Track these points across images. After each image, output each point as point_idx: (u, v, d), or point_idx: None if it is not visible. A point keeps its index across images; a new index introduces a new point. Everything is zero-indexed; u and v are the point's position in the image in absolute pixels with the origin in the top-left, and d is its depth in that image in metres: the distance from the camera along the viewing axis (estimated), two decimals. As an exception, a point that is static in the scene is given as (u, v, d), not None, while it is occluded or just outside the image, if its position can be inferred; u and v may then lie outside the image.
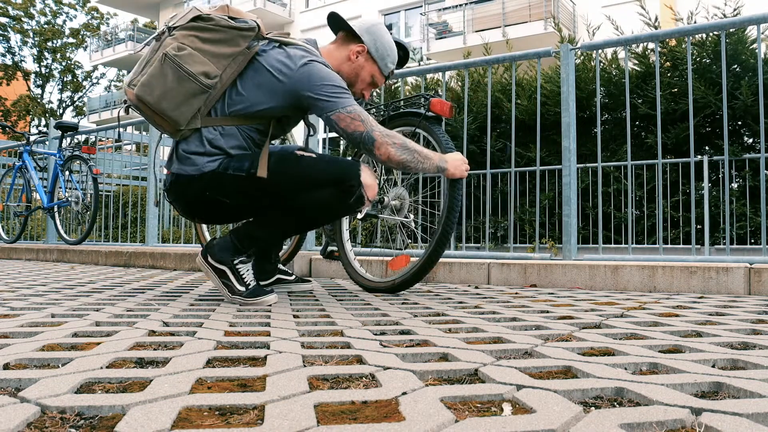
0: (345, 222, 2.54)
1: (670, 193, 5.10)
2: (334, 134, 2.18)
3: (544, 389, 0.83)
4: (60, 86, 32.57)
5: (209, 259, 1.95)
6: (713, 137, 5.01)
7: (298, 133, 3.13)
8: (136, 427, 0.66)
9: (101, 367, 0.96)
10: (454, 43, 16.96)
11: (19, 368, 0.97)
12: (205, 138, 1.87)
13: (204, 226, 3.11)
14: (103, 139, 7.13)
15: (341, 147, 5.90)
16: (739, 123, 4.99)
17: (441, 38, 17.51)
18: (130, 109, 1.92)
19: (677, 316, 1.66)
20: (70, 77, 32.38)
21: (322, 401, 0.78)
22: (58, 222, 5.24)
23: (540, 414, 0.72)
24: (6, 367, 0.98)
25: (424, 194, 3.54)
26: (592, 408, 0.77)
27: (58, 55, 31.54)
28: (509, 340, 1.24)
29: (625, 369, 0.99)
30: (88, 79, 33.15)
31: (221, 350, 1.12)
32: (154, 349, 1.13)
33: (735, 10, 5.30)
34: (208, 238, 2.97)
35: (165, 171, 2.00)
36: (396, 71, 2.17)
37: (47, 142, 5.75)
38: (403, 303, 1.96)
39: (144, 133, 6.16)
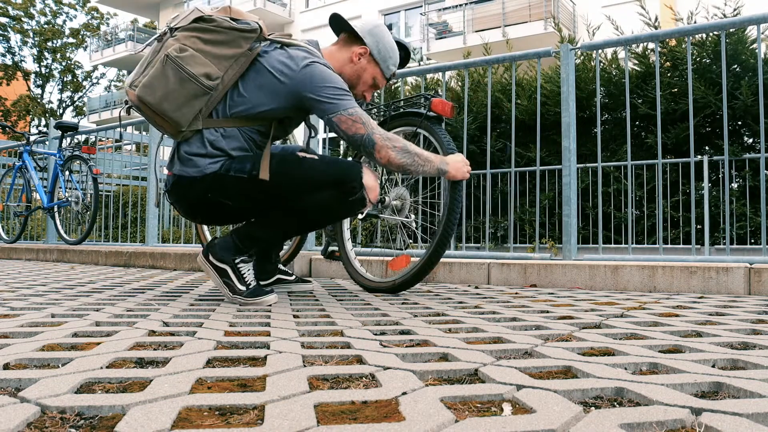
0: (346, 222, 2.54)
1: (670, 193, 5.10)
2: (334, 134, 2.18)
3: (544, 389, 0.83)
4: (60, 86, 32.58)
5: (210, 258, 1.95)
6: (713, 137, 5.01)
7: (299, 134, 3.13)
8: (136, 427, 0.66)
9: (101, 367, 0.96)
10: (454, 43, 16.95)
11: (19, 368, 0.98)
12: (207, 139, 1.87)
13: (205, 226, 3.11)
14: (103, 139, 7.13)
15: (341, 147, 5.90)
16: (739, 123, 4.99)
17: (441, 38, 17.51)
18: (131, 110, 1.92)
19: (677, 316, 1.66)
20: (70, 77, 32.39)
21: (322, 401, 0.78)
22: (58, 222, 5.24)
23: (540, 414, 0.72)
24: (6, 367, 0.98)
25: (424, 195, 3.53)
26: (592, 408, 0.77)
27: (58, 55, 31.55)
28: (509, 340, 1.24)
29: (625, 369, 0.99)
30: (88, 79, 33.17)
31: (221, 350, 1.12)
32: (154, 349, 1.13)
33: (735, 10, 5.30)
34: (209, 238, 2.97)
35: (166, 171, 2.00)
36: (396, 71, 2.17)
37: (47, 142, 5.75)
38: (403, 303, 1.96)
39: (144, 133, 6.16)
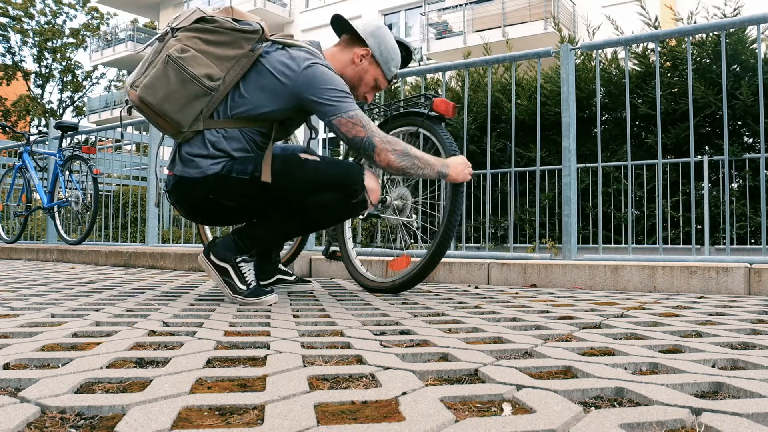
0: (347, 222, 2.54)
1: (670, 193, 5.10)
2: (334, 135, 2.18)
3: (544, 389, 0.83)
4: (60, 86, 32.58)
5: (211, 257, 1.95)
6: (713, 137, 5.01)
7: (300, 134, 3.13)
8: (136, 427, 0.66)
9: (101, 367, 0.96)
10: (454, 43, 16.95)
11: (19, 368, 0.98)
12: (208, 140, 1.87)
13: (206, 226, 3.11)
14: (103, 139, 7.13)
15: (341, 148, 5.90)
16: (739, 123, 4.99)
17: (441, 38, 17.51)
18: (131, 110, 1.92)
19: (677, 316, 1.66)
20: (70, 77, 32.39)
21: (322, 401, 0.78)
22: (58, 222, 5.24)
23: (540, 414, 0.72)
24: (6, 367, 0.98)
25: (425, 195, 3.53)
26: (592, 408, 0.77)
27: (58, 55, 31.55)
28: (509, 340, 1.24)
29: (625, 369, 0.99)
30: (88, 79, 33.17)
31: (221, 350, 1.12)
32: (154, 349, 1.13)
33: (735, 10, 5.30)
34: (210, 237, 2.97)
35: (166, 171, 2.00)
36: (398, 71, 2.17)
37: (47, 142, 5.75)
38: (403, 303, 1.96)
39: (144, 133, 6.16)
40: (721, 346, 1.18)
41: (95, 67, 32.34)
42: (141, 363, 1.02)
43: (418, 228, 2.67)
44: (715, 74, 4.78)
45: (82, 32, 31.78)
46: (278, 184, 1.85)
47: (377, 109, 2.54)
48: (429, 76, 5.98)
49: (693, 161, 2.84)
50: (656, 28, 5.59)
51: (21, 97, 30.95)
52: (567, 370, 0.99)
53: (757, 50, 3.22)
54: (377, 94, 2.24)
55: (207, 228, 3.07)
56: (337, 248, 2.56)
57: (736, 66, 4.82)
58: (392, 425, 0.68)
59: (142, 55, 1.98)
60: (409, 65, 2.27)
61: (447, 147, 2.13)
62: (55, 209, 5.20)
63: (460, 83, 5.95)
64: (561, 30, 6.51)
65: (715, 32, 4.71)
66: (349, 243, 2.52)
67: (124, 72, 30.83)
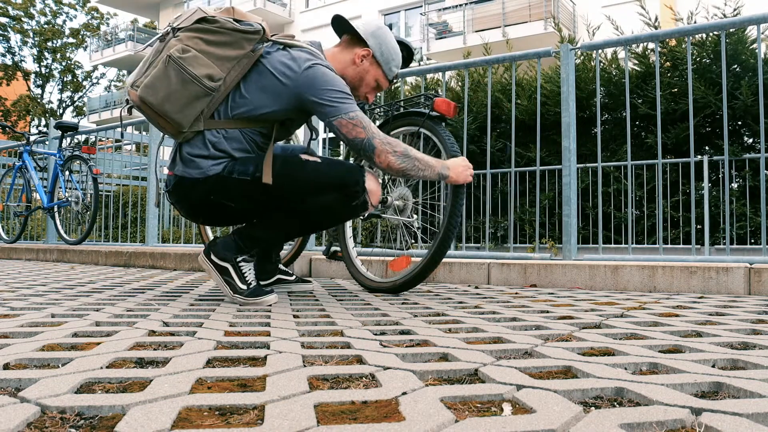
0: (348, 222, 2.54)
1: (670, 193, 5.10)
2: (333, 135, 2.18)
3: (544, 389, 0.83)
4: (60, 86, 32.58)
5: (212, 256, 1.95)
6: (713, 137, 5.01)
7: (301, 133, 3.13)
8: (136, 427, 0.66)
9: (101, 367, 0.96)
10: (454, 43, 16.95)
11: (19, 368, 0.98)
12: (209, 141, 1.86)
13: (207, 226, 3.12)
14: (103, 139, 7.13)
15: (341, 148, 5.91)
16: (739, 123, 4.99)
17: (441, 38, 17.51)
18: (132, 110, 1.91)
19: (677, 316, 1.66)
20: (70, 77, 32.39)
21: (322, 401, 0.78)
22: (58, 222, 5.24)
23: (540, 414, 0.72)
24: (6, 367, 0.98)
25: (425, 196, 3.53)
26: (592, 408, 0.77)
27: (58, 55, 31.55)
28: (509, 340, 1.24)
29: (625, 369, 0.99)
30: (88, 79, 33.17)
31: (221, 350, 1.12)
32: (154, 349, 1.13)
33: (735, 10, 5.30)
34: (211, 237, 2.97)
35: (166, 171, 1.99)
36: (399, 71, 2.17)
37: (47, 142, 5.75)
38: (403, 303, 1.96)
39: (144, 133, 6.16)
40: (721, 346, 1.18)
41: (95, 67, 32.34)
42: (141, 363, 1.02)
43: (418, 228, 2.67)
44: (715, 74, 4.78)
45: (82, 32, 31.79)
46: (279, 184, 1.85)
47: (378, 109, 2.53)
48: (429, 76, 5.98)
49: (693, 161, 2.84)
50: (656, 28, 5.59)
51: (21, 97, 30.95)
52: (567, 370, 0.99)
53: (757, 50, 3.22)
54: (378, 94, 2.24)
55: (208, 228, 3.07)
56: (338, 248, 2.56)
57: (736, 66, 4.82)
58: (392, 425, 0.68)
59: (143, 55, 1.99)
60: (410, 65, 2.27)
61: (448, 148, 2.13)
62: (55, 209, 5.20)
63: (460, 83, 5.95)
64: (561, 30, 6.51)
65: (715, 32, 4.71)
66: (350, 243, 2.52)
67: (124, 72, 30.83)
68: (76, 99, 33.05)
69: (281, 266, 2.42)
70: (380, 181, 2.41)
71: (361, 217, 2.26)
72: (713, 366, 1.03)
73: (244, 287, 1.91)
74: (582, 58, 5.39)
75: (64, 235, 5.19)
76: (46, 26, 30.92)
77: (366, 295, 2.25)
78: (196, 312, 1.68)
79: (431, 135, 2.25)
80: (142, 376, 0.90)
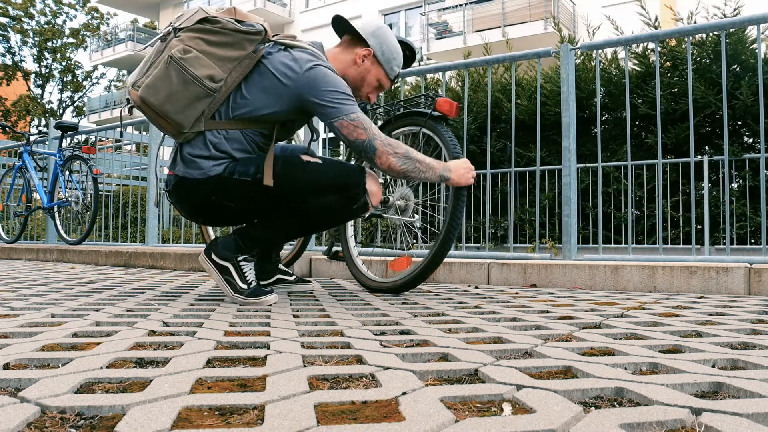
0: (349, 222, 2.54)
1: (670, 193, 5.10)
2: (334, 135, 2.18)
3: (544, 389, 0.83)
4: (60, 86, 32.58)
5: (213, 256, 1.95)
6: (713, 137, 5.01)
7: (302, 133, 3.13)
8: (136, 427, 0.66)
9: (101, 367, 0.96)
10: (454, 43, 16.96)
11: (19, 368, 0.98)
12: (209, 141, 1.86)
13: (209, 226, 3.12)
14: (103, 139, 7.13)
15: (341, 148, 5.91)
16: (739, 123, 4.98)
17: (441, 38, 17.51)
18: (133, 109, 1.91)
19: (677, 316, 1.66)
20: (70, 77, 32.39)
21: (322, 401, 0.78)
22: (58, 222, 5.24)
23: (540, 414, 0.72)
24: (6, 367, 0.98)
25: (425, 197, 3.54)
26: (592, 408, 0.77)
27: (58, 55, 31.55)
28: (509, 340, 1.24)
29: (625, 369, 0.99)
30: (88, 79, 33.17)
31: (221, 350, 1.12)
32: (154, 349, 1.13)
33: (735, 10, 5.30)
34: (213, 237, 2.97)
35: (167, 171, 1.99)
36: (400, 71, 2.17)
37: (47, 142, 5.75)
38: (403, 303, 1.96)
39: (144, 133, 6.16)
40: (721, 346, 1.18)
41: (95, 67, 32.34)
42: (141, 363, 1.02)
43: (419, 228, 2.67)
44: (715, 74, 4.78)
45: (82, 32, 31.78)
46: (279, 185, 1.85)
47: (380, 110, 2.53)
48: (429, 76, 5.98)
49: (693, 161, 2.84)
50: (656, 28, 5.59)
51: (21, 97, 30.95)
52: (567, 370, 0.99)
53: (757, 50, 3.22)
54: (379, 94, 2.24)
55: (209, 227, 3.07)
56: (340, 248, 2.56)
57: (736, 66, 4.82)
58: (392, 425, 0.68)
59: (143, 55, 1.98)
60: (412, 65, 2.27)
61: (450, 149, 2.12)
62: (55, 209, 5.20)
63: (460, 83, 5.95)
64: (561, 30, 6.50)
65: (715, 32, 4.71)
66: (352, 243, 2.52)
67: (124, 72, 30.83)
68: (76, 99, 33.06)
69: (281, 266, 2.42)
70: (381, 181, 2.41)
71: (365, 216, 2.26)
72: (713, 366, 1.03)
73: (245, 287, 1.91)
74: (582, 58, 5.39)
75: (64, 235, 5.19)
76: (46, 26, 30.92)
77: (366, 295, 2.25)
78: (196, 312, 1.68)
79: (433, 135, 2.24)
80: (142, 376, 0.90)
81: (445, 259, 2.90)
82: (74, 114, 32.97)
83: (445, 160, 2.15)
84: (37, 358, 1.02)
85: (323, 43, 2.04)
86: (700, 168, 4.95)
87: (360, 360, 1.05)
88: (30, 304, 1.80)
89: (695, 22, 5.37)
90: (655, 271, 2.46)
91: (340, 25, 2.08)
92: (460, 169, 2.01)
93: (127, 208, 6.75)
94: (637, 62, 5.24)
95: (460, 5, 17.22)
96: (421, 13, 18.75)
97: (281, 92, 1.85)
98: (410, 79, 6.41)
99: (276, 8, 22.99)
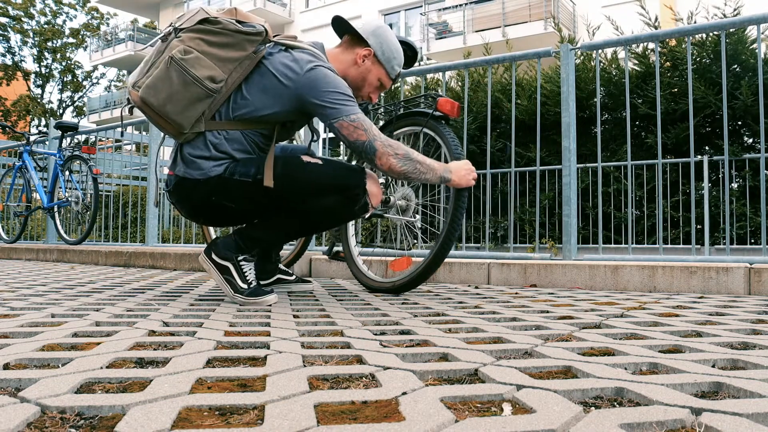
0: (350, 222, 2.54)
1: (670, 193, 5.10)
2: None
3: (544, 389, 0.83)
4: (60, 86, 32.58)
5: (213, 255, 1.95)
6: (713, 137, 5.01)
7: (304, 133, 3.13)
8: (136, 427, 0.66)
9: (101, 367, 0.96)
10: (454, 43, 16.96)
11: (19, 368, 0.98)
12: (210, 142, 1.86)
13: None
14: (103, 139, 7.14)
15: (341, 148, 5.91)
16: (739, 123, 4.98)
17: (441, 38, 17.51)
18: (133, 110, 1.91)
19: (677, 316, 1.66)
20: (70, 77, 32.39)
21: (322, 401, 0.78)
22: (58, 222, 5.24)
23: (540, 414, 0.72)
24: (6, 367, 0.98)
25: (425, 198, 3.54)
26: (592, 408, 0.77)
27: (58, 55, 31.55)
28: (509, 340, 1.24)
29: (625, 369, 0.99)
30: (88, 79, 33.17)
31: (221, 350, 1.12)
32: (154, 349, 1.13)
33: (735, 10, 5.30)
34: (214, 236, 2.97)
35: (167, 171, 1.99)
36: (402, 71, 2.17)
37: (47, 142, 5.75)
38: (403, 303, 1.96)
39: (144, 133, 6.16)
40: (721, 346, 1.18)
41: (95, 67, 32.34)
42: (141, 363, 1.02)
43: (419, 228, 2.67)
44: (715, 74, 4.78)
45: (82, 32, 31.78)
46: (280, 186, 1.85)
47: (382, 110, 2.53)
48: (429, 76, 5.98)
49: (693, 161, 2.84)
50: (656, 28, 5.59)
51: (21, 97, 30.95)
52: (567, 370, 0.99)
53: (757, 50, 3.22)
54: (381, 93, 2.23)
55: (211, 227, 3.07)
56: (341, 249, 2.56)
57: (736, 66, 4.82)
58: (392, 425, 0.68)
59: (143, 55, 1.98)
60: (413, 65, 2.27)
61: (452, 149, 2.12)
62: (55, 209, 5.20)
63: (460, 83, 5.95)
64: (561, 30, 6.51)
65: (715, 32, 4.71)
66: (353, 243, 2.53)
67: (124, 72, 30.83)
68: (76, 99, 33.06)
69: (281, 266, 2.42)
70: (382, 181, 2.41)
71: (365, 216, 2.26)
72: (713, 366, 1.03)
73: (245, 286, 1.91)
74: (582, 58, 5.39)
75: (64, 235, 5.19)
76: (46, 26, 30.92)
77: (366, 295, 2.25)
78: (196, 312, 1.68)
79: (435, 135, 2.24)
80: (142, 376, 0.90)
81: (446, 259, 2.90)
82: (74, 114, 32.98)
83: (447, 161, 2.14)
84: (37, 358, 1.02)
85: (324, 44, 2.04)
86: (700, 168, 4.95)
87: (360, 360, 1.05)
88: (30, 304, 1.80)
89: (695, 22, 5.37)
90: (655, 271, 2.46)
91: (340, 25, 2.08)
92: (461, 171, 2.00)
93: (127, 208, 6.75)
94: (637, 62, 5.24)
95: (460, 5, 17.22)
96: (421, 13, 18.75)
97: (281, 93, 1.85)
98: (410, 79, 6.41)
99: (276, 8, 22.99)
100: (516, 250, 5.07)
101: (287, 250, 2.89)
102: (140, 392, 0.80)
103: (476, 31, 16.34)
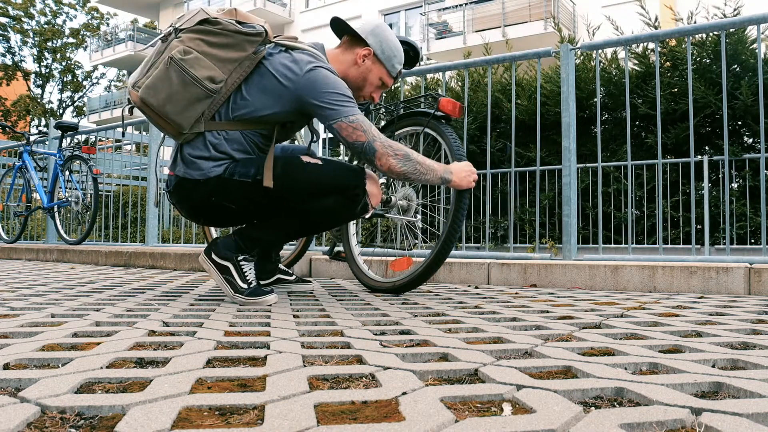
0: (351, 222, 2.54)
1: (670, 193, 5.10)
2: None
3: (544, 389, 0.83)
4: (60, 86, 32.58)
5: (213, 255, 1.95)
6: (713, 137, 5.01)
7: (304, 133, 3.13)
8: (136, 427, 0.66)
9: (101, 367, 0.96)
10: (454, 43, 16.95)
11: (19, 368, 0.98)
12: (209, 142, 1.86)
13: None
14: (103, 139, 7.14)
15: (341, 147, 5.91)
16: (739, 123, 4.98)
17: (441, 38, 17.51)
18: (133, 110, 1.92)
19: (677, 316, 1.66)
20: (70, 77, 32.39)
21: (322, 401, 0.78)
22: (58, 222, 5.24)
23: (540, 414, 0.72)
24: (6, 367, 0.98)
25: (425, 198, 3.54)
26: (592, 408, 0.77)
27: (58, 55, 31.55)
28: (509, 340, 1.24)
29: (625, 369, 0.99)
30: (88, 79, 33.17)
31: (221, 350, 1.12)
32: (154, 349, 1.13)
33: (735, 10, 5.30)
34: (215, 236, 2.97)
35: (167, 171, 1.99)
36: (403, 70, 2.17)
37: (47, 142, 5.75)
38: (403, 303, 1.96)
39: (144, 133, 6.16)
40: (721, 346, 1.18)
41: (95, 67, 32.34)
42: (141, 363, 1.02)
43: (419, 228, 2.67)
44: (715, 74, 4.78)
45: (82, 32, 31.78)
46: (280, 186, 1.85)
47: (384, 109, 2.53)
48: (429, 76, 5.98)
49: (693, 161, 2.84)
50: (656, 28, 5.59)
51: (21, 97, 30.95)
52: (567, 370, 0.99)
53: (757, 50, 3.22)
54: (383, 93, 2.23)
55: (212, 227, 3.07)
56: (342, 249, 2.56)
57: (736, 66, 4.82)
58: (392, 425, 0.68)
59: (143, 55, 1.99)
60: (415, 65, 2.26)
61: (454, 150, 2.12)
62: (55, 209, 5.20)
63: (460, 83, 5.95)
64: (561, 30, 6.50)
65: (715, 32, 4.71)
66: (354, 243, 2.53)
67: (124, 72, 30.83)
68: (76, 99, 33.06)
69: (281, 266, 2.42)
70: (383, 181, 2.41)
71: (366, 216, 2.26)
72: (713, 366, 1.03)
73: (245, 286, 1.91)
74: (582, 58, 5.39)
75: (64, 235, 5.19)
76: (46, 26, 30.92)
77: (366, 295, 2.25)
78: (196, 312, 1.68)
79: (436, 135, 2.24)
80: (142, 376, 0.90)
81: (446, 259, 2.90)
82: (74, 114, 32.98)
83: (448, 161, 2.14)
84: (37, 358, 1.02)
85: (324, 44, 2.04)
86: (700, 168, 4.95)
87: (360, 360, 1.05)
88: (30, 304, 1.80)
89: (695, 22, 5.37)
90: (655, 271, 2.46)
91: (339, 26, 2.08)
92: (462, 172, 2.00)
93: (127, 208, 6.76)
94: (637, 62, 5.24)
95: (460, 5, 17.22)
96: (421, 13, 18.75)
97: (281, 93, 1.85)
98: (410, 79, 6.41)
99: (276, 8, 22.99)
100: (516, 250, 5.07)
101: (288, 250, 2.89)
102: (140, 392, 0.80)
103: (476, 31, 16.34)
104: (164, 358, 1.04)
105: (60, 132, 5.13)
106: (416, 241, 3.03)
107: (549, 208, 5.60)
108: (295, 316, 1.62)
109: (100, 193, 5.59)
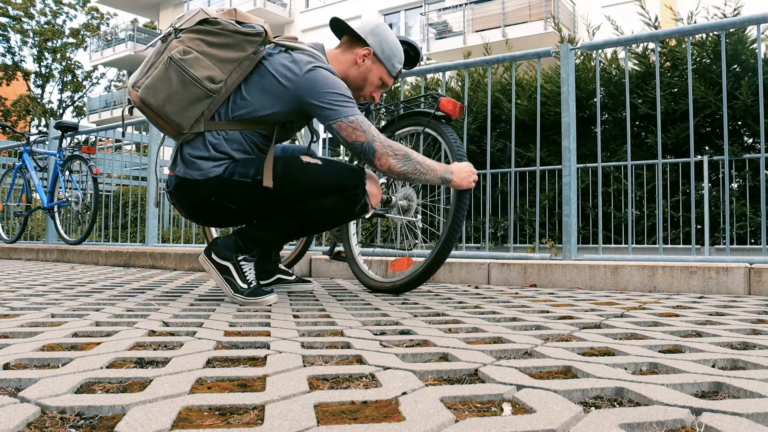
0: (351, 221, 2.54)
1: (670, 193, 5.10)
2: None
3: (544, 389, 0.83)
4: (60, 86, 32.58)
5: (213, 255, 1.95)
6: (713, 137, 5.01)
7: (305, 133, 3.13)
8: (136, 427, 0.66)
9: (101, 367, 0.96)
10: (454, 43, 16.96)
11: (19, 368, 0.98)
12: (209, 142, 1.86)
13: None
14: (103, 139, 7.14)
15: (341, 148, 5.91)
16: (739, 123, 4.98)
17: (441, 38, 17.51)
18: (133, 110, 1.92)
19: (677, 316, 1.66)
20: (70, 77, 32.39)
21: (322, 401, 0.78)
22: (58, 222, 5.24)
23: (540, 414, 0.72)
24: (6, 367, 0.98)
25: (425, 198, 3.54)
26: (592, 408, 0.77)
27: (58, 55, 31.55)
28: (509, 340, 1.24)
29: (625, 369, 0.99)
30: (88, 79, 33.17)
31: (221, 350, 1.12)
32: (154, 349, 1.13)
33: (735, 10, 5.30)
34: (215, 236, 2.98)
35: (167, 171, 2.00)
36: (403, 70, 2.17)
37: (47, 142, 5.75)
38: (403, 303, 1.96)
39: (144, 133, 6.16)
40: (721, 346, 1.18)
41: (95, 67, 32.34)
42: (141, 363, 1.02)
43: (419, 228, 2.67)
44: (715, 74, 4.78)
45: (82, 32, 31.78)
46: (280, 186, 1.85)
47: (384, 109, 2.53)
48: (429, 76, 5.98)
49: (693, 161, 2.84)
50: (656, 28, 5.59)
51: (21, 97, 30.95)
52: (567, 370, 0.99)
53: (757, 50, 3.22)
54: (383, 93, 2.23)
55: (212, 227, 3.07)
56: (342, 249, 2.56)
57: (736, 66, 4.82)
58: (392, 425, 0.68)
59: (143, 55, 1.99)
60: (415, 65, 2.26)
61: (454, 150, 2.12)
62: (55, 209, 5.20)
63: (460, 83, 5.95)
64: (561, 30, 6.50)
65: (715, 32, 4.71)
66: (354, 242, 2.53)
67: (124, 72, 30.82)
68: (76, 99, 33.06)
69: (281, 266, 2.42)
70: (383, 181, 2.41)
71: (366, 216, 2.26)
72: (713, 366, 1.03)
73: (245, 286, 1.91)
74: (582, 58, 5.39)
75: (64, 235, 5.19)
76: (46, 26, 30.91)
77: (366, 295, 2.25)
78: (196, 312, 1.68)
79: (437, 135, 2.24)
80: (142, 376, 0.90)
81: (446, 259, 2.90)
82: (74, 114, 32.98)
83: (448, 161, 2.14)
84: (37, 358, 1.02)
85: (324, 45, 2.03)
86: (700, 168, 4.95)
87: (360, 360, 1.05)
88: (30, 304, 1.80)
89: (695, 22, 5.36)
90: (655, 271, 2.46)
91: (338, 26, 2.08)
92: (462, 172, 2.00)
93: (127, 208, 6.76)
94: (637, 62, 5.24)
95: (460, 5, 17.22)
96: (421, 13, 18.75)
97: (281, 94, 1.85)
98: (410, 79, 6.41)
99: (276, 8, 22.99)
100: (516, 250, 5.07)
101: (288, 250, 2.89)
102: (140, 392, 0.81)
103: (476, 31, 16.33)
104: (164, 358, 1.04)
105: (60, 132, 5.13)
106: (416, 241, 3.03)
107: (549, 208, 5.60)
108: (295, 316, 1.62)
109: (100, 193, 5.59)
